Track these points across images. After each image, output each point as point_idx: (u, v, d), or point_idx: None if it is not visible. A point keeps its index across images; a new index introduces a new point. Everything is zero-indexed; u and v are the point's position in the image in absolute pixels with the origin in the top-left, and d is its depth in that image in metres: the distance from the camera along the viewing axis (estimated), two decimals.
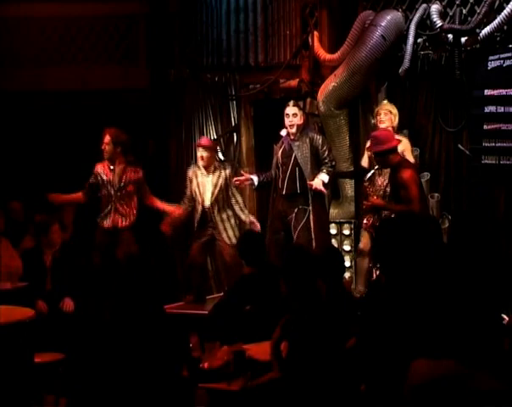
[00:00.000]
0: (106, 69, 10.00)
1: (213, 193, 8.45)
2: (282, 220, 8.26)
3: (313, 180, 8.09)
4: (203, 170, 8.51)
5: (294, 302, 4.66)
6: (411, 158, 7.92)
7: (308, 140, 8.22)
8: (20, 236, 8.57)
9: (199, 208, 8.50)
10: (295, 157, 8.21)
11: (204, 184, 8.50)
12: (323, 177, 8.11)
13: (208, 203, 8.46)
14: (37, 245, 7.93)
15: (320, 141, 8.28)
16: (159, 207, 8.66)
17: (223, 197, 8.47)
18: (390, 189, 7.56)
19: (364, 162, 8.45)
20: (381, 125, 8.18)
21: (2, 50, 9.91)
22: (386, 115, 8.20)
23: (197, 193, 8.51)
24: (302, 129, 8.28)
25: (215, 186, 8.44)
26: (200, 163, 8.52)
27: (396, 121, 8.25)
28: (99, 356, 4.87)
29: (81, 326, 7.19)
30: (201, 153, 8.52)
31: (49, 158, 9.82)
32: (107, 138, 8.49)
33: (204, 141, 8.71)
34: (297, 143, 8.24)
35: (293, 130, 8.23)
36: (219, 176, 8.48)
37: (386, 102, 8.40)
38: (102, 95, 9.54)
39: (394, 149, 7.34)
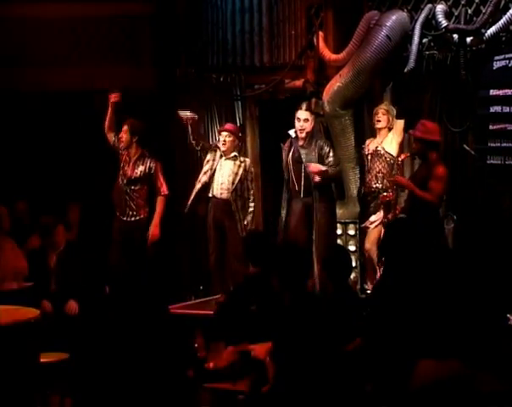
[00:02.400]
0: (112, 69, 9.98)
1: (233, 182, 8.51)
2: (304, 220, 8.27)
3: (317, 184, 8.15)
4: (223, 154, 8.62)
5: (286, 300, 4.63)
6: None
7: (316, 148, 8.24)
8: (26, 236, 8.58)
9: (210, 193, 8.59)
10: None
11: (222, 168, 8.55)
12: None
13: (219, 186, 8.52)
14: (42, 245, 7.94)
15: (327, 150, 8.29)
16: (156, 210, 8.68)
17: (241, 188, 8.54)
18: (415, 181, 7.60)
19: None
20: (378, 126, 8.33)
21: (7, 50, 9.91)
22: (384, 115, 8.31)
23: (213, 176, 8.61)
24: (311, 135, 8.28)
25: (236, 174, 8.52)
26: (221, 147, 8.60)
27: (391, 123, 8.33)
28: (104, 356, 4.88)
29: (86, 326, 7.20)
30: (223, 137, 8.61)
31: (55, 159, 9.82)
32: (124, 127, 8.61)
33: (228, 125, 8.82)
34: (305, 151, 8.25)
35: (303, 135, 8.25)
36: (239, 166, 8.57)
37: (385, 102, 8.45)
38: (108, 95, 9.52)
39: (437, 144, 7.55)
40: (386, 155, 8.27)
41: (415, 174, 7.84)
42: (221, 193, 8.52)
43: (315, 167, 8.13)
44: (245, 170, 8.58)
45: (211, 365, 5.36)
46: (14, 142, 9.85)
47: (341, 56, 8.90)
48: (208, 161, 8.68)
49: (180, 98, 9.88)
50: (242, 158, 8.70)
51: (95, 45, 10.06)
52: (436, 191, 7.38)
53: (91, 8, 9.84)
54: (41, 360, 6.23)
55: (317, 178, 8.10)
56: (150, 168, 8.65)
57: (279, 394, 4.17)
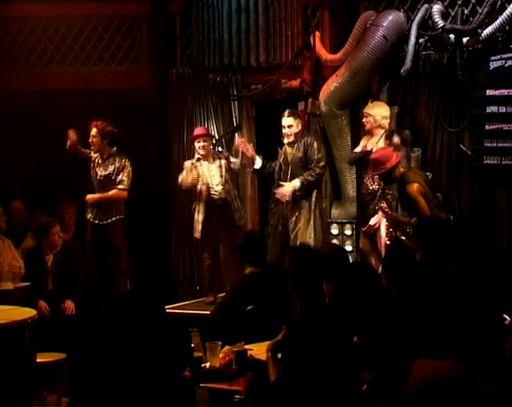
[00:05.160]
0: (108, 69, 9.97)
1: (221, 175, 8.57)
2: (283, 224, 8.30)
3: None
4: (204, 160, 8.64)
5: (299, 304, 4.61)
6: (386, 126, 8.17)
7: (303, 143, 8.22)
8: (22, 236, 8.58)
9: (204, 196, 8.56)
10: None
11: (210, 171, 8.57)
12: (295, 183, 8.13)
13: (217, 188, 8.55)
14: (38, 246, 7.93)
15: (315, 146, 8.24)
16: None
17: (230, 178, 8.68)
18: (399, 200, 7.72)
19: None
20: (366, 128, 8.22)
21: (3, 50, 9.90)
22: (367, 117, 8.20)
23: (201, 182, 8.58)
24: (300, 134, 8.27)
25: (222, 167, 8.62)
26: (201, 152, 8.59)
27: (378, 122, 8.16)
28: (101, 356, 4.87)
29: (83, 326, 7.20)
30: (201, 143, 8.63)
31: (51, 158, 9.80)
32: (93, 131, 8.58)
33: (200, 131, 8.87)
34: (291, 146, 8.26)
35: (291, 139, 8.24)
36: (220, 159, 8.67)
37: (369, 103, 8.39)
38: (104, 95, 9.52)
39: (396, 166, 7.52)
40: None
41: (399, 197, 7.80)
42: (220, 193, 8.56)
43: (280, 194, 8.20)
44: (226, 159, 8.72)
45: (208, 364, 5.36)
46: (10, 141, 9.83)
47: (337, 56, 8.90)
48: (191, 171, 8.71)
49: (177, 98, 9.88)
50: (221, 155, 8.80)
51: (91, 44, 10.02)
52: (421, 209, 7.35)
53: (88, 7, 9.81)
54: (38, 360, 6.23)
55: (286, 198, 8.13)
56: (119, 167, 8.58)
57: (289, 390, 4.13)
